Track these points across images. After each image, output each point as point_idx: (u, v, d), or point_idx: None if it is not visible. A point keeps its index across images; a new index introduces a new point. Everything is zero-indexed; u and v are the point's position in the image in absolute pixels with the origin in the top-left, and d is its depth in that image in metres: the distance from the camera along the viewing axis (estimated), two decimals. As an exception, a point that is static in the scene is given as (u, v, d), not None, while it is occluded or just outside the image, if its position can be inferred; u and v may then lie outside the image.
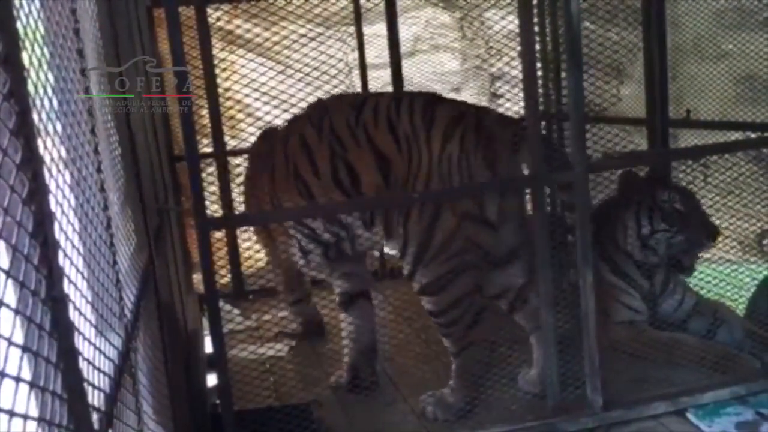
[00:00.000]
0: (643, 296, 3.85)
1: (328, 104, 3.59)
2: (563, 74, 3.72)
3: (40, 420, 1.23)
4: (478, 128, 3.11)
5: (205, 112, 5.02)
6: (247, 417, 3.25)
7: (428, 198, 3.16)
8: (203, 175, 4.98)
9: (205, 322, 3.85)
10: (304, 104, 3.88)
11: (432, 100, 3.32)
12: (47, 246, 1.34)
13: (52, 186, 1.47)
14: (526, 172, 3.22)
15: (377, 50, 5.37)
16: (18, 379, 1.12)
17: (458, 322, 3.20)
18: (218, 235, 5.09)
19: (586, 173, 3.11)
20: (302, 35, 5.14)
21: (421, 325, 4.41)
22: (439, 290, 3.18)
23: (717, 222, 3.97)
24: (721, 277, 4.05)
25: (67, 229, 1.57)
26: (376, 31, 5.37)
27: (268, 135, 3.94)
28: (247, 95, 5.12)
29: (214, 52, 4.99)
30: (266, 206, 3.71)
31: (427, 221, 3.14)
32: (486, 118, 3.20)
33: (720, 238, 4.12)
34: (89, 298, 1.74)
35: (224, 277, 5.20)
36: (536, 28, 4.56)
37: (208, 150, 5.20)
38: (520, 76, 3.24)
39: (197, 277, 4.87)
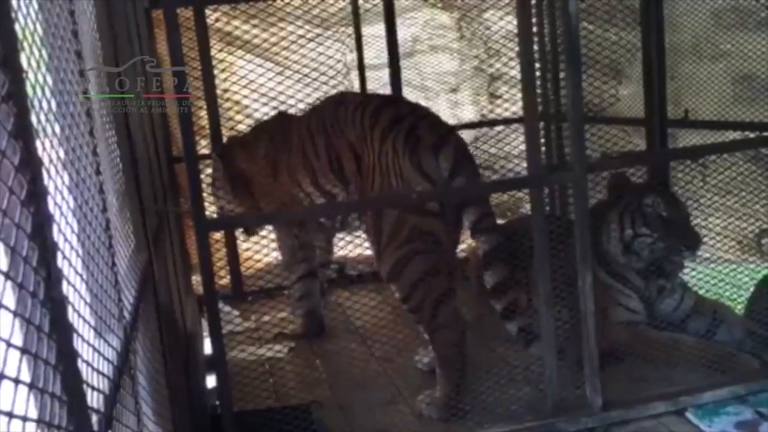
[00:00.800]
0: (640, 297, 3.85)
1: (329, 100, 4.14)
2: (562, 75, 3.74)
3: (40, 421, 1.23)
4: (409, 132, 3.44)
5: (203, 113, 5.02)
6: (247, 418, 3.26)
7: (427, 198, 3.23)
8: (202, 176, 4.98)
9: (205, 324, 3.86)
10: (302, 105, 4.00)
11: (382, 104, 3.69)
12: (46, 248, 1.34)
13: (51, 188, 1.47)
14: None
15: (375, 51, 5.37)
16: (17, 381, 1.12)
17: (423, 305, 3.36)
18: (217, 236, 5.09)
19: (585, 174, 3.11)
20: (300, 36, 5.14)
21: (420, 325, 4.42)
22: (397, 275, 3.40)
23: (715, 222, 3.97)
24: (720, 276, 4.06)
25: (65, 231, 1.57)
26: (374, 32, 5.37)
27: (285, 120, 4.36)
28: (245, 96, 5.13)
29: (213, 53, 4.99)
30: (285, 178, 4.12)
31: (374, 212, 3.48)
32: (420, 124, 3.49)
33: (719, 238, 4.13)
34: (88, 300, 1.74)
35: (223, 279, 5.20)
36: (535, 29, 4.57)
37: (207, 151, 5.20)
38: (519, 76, 3.24)
39: (196, 279, 4.87)
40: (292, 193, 4.12)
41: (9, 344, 1.11)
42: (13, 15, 1.36)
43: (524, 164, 4.05)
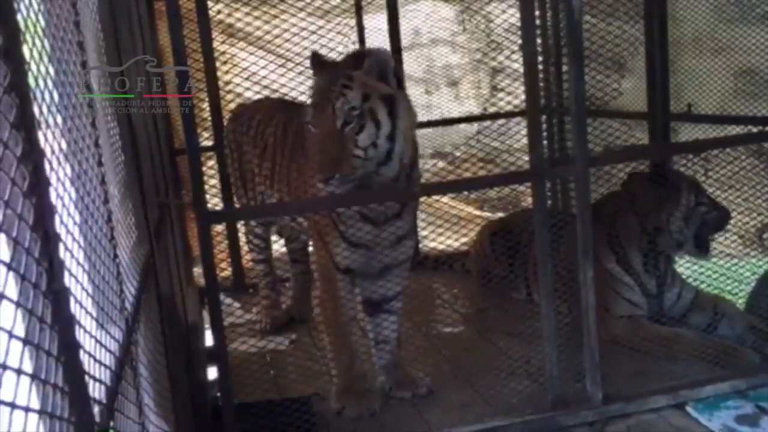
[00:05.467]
0: (643, 290, 3.85)
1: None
2: (564, 68, 3.72)
3: (42, 413, 1.24)
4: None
5: (205, 105, 5.01)
6: (248, 410, 3.26)
7: (428, 192, 3.25)
8: (204, 168, 4.97)
9: (206, 316, 3.86)
10: (303, 97, 3.97)
11: None
12: (48, 239, 1.34)
13: (53, 179, 1.47)
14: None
15: (377, 43, 5.36)
16: (19, 372, 1.12)
17: None
18: (219, 228, 5.09)
19: (587, 167, 3.10)
20: (303, 28, 5.13)
21: (421, 318, 4.42)
22: None
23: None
24: (722, 271, 4.05)
25: (67, 222, 1.57)
26: (376, 24, 5.36)
27: None
28: (247, 88, 5.12)
29: (215, 45, 4.98)
30: None
31: None
32: None
33: (720, 232, 4.13)
34: (90, 291, 1.74)
35: (225, 271, 5.21)
36: (537, 22, 4.56)
37: (209, 143, 5.20)
38: (521, 69, 3.24)
39: (198, 271, 4.88)
40: None
41: (11, 335, 1.12)
42: (15, 6, 1.35)
43: (526, 158, 4.05)
